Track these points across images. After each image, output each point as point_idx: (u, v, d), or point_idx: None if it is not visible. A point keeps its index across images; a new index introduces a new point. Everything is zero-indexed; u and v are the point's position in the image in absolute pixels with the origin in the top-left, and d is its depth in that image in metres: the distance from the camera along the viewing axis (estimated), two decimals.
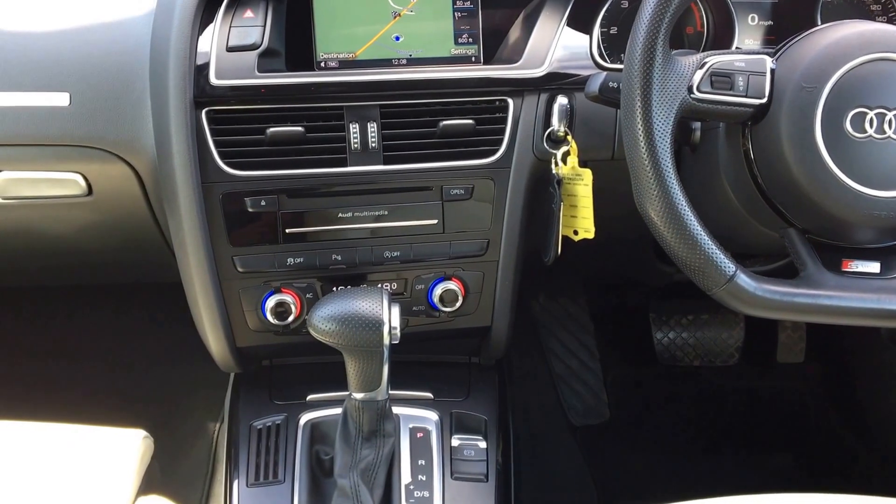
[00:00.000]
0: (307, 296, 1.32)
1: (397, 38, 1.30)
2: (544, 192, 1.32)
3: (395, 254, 1.32)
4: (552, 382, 2.16)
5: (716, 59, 1.07)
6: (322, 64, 1.29)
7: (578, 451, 2.03)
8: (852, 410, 2.15)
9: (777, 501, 1.18)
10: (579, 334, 2.21)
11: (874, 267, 1.09)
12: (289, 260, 1.30)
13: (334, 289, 1.31)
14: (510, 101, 1.29)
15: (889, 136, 1.04)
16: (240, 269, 1.29)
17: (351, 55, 1.29)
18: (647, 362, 2.23)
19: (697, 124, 1.25)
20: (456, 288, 1.34)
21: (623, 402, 2.17)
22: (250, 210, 1.26)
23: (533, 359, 2.17)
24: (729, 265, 1.05)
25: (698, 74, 1.05)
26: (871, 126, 1.04)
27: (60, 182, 1.28)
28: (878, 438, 2.07)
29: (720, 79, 1.06)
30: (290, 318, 1.31)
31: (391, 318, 1.16)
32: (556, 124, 1.28)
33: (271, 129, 1.23)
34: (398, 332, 1.17)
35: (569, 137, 1.29)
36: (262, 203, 1.26)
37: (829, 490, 1.17)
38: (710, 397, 2.22)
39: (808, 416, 2.19)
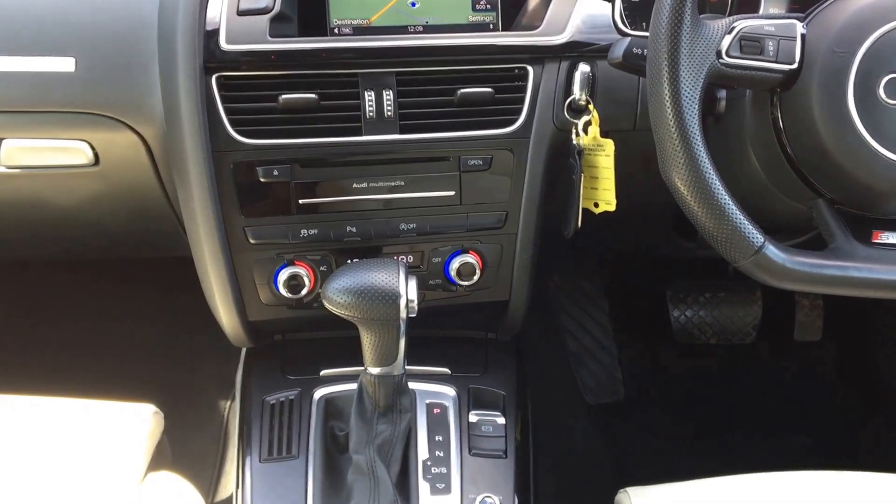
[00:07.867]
0: (321, 268, 1.30)
1: (413, 5, 1.27)
2: (564, 163, 1.29)
3: (411, 226, 1.30)
4: (567, 361, 2.14)
5: (745, 24, 1.03)
6: (336, 30, 1.25)
7: (593, 430, 2.02)
8: (870, 389, 2.14)
9: (794, 479, 1.17)
10: (594, 312, 2.20)
11: None
12: (302, 231, 1.27)
13: (349, 261, 1.28)
14: (530, 68, 1.26)
15: None
16: (252, 241, 1.27)
17: (365, 21, 1.26)
18: (663, 340, 2.22)
19: (723, 93, 1.21)
20: (473, 261, 1.32)
21: (638, 381, 2.17)
22: (262, 180, 1.23)
23: (548, 337, 2.15)
24: (757, 236, 1.02)
25: (727, 39, 1.02)
26: None
27: (66, 150, 1.25)
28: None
29: (750, 43, 1.03)
30: (304, 292, 1.29)
31: (408, 290, 1.13)
32: (578, 93, 1.25)
33: (284, 97, 1.20)
34: (415, 305, 1.14)
35: (590, 107, 1.26)
36: (275, 173, 1.23)
37: (846, 469, 1.15)
38: (726, 376, 2.22)
39: (825, 395, 2.18)
